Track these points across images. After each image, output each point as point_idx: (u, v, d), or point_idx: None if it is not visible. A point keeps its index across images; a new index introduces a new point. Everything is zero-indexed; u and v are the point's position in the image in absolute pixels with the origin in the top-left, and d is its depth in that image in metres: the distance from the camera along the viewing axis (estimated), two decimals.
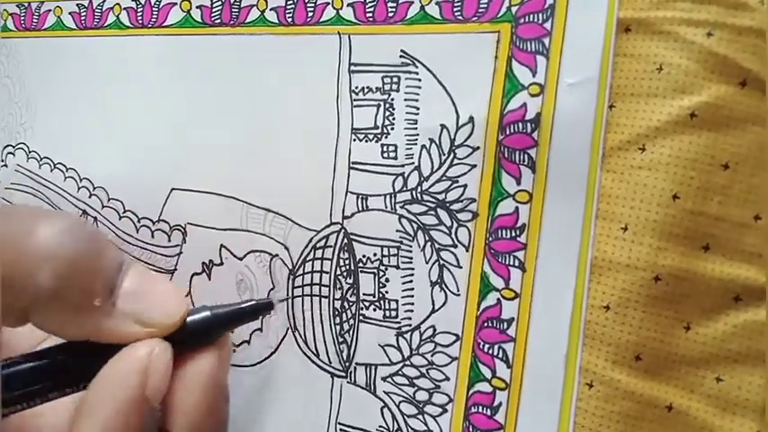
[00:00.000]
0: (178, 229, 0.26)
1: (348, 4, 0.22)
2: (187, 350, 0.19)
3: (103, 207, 0.28)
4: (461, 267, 0.21)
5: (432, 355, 0.22)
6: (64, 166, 0.29)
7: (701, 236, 0.19)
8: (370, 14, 0.22)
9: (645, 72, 0.19)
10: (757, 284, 0.19)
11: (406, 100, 0.22)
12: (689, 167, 0.19)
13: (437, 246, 0.21)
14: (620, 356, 0.19)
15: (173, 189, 0.26)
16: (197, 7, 0.25)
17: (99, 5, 0.27)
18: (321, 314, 0.23)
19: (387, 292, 0.22)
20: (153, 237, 0.27)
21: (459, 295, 0.21)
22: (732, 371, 0.18)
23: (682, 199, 0.19)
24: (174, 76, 0.26)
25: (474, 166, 0.21)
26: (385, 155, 0.22)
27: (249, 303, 0.19)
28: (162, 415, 0.18)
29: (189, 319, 0.19)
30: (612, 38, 0.19)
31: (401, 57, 0.22)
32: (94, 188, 0.28)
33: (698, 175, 0.18)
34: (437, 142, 0.21)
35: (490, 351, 0.21)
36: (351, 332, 0.23)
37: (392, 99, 0.22)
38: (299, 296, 0.24)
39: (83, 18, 0.28)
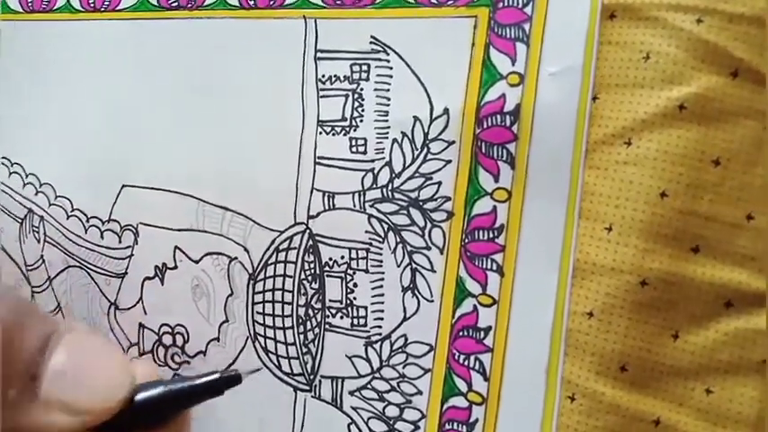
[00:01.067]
0: (129, 230, 0.25)
1: None
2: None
3: (50, 205, 0.27)
4: (435, 271, 0.20)
5: (403, 367, 0.21)
6: (8, 160, 0.27)
7: (690, 237, 0.18)
8: None
9: (631, 61, 0.18)
10: (750, 289, 0.18)
11: (376, 90, 0.21)
12: (677, 163, 0.18)
13: (409, 248, 0.21)
14: (603, 367, 0.19)
15: (124, 186, 0.25)
16: None
17: None
18: (284, 322, 0.22)
19: (355, 299, 0.21)
20: (102, 238, 0.25)
21: (432, 302, 0.20)
22: (723, 382, 0.18)
23: (670, 197, 0.18)
24: (127, 63, 0.25)
25: (449, 161, 0.20)
26: (353, 149, 0.21)
27: (212, 377, 0.17)
28: None
29: (139, 397, 0.16)
30: (597, 24, 0.19)
31: (371, 43, 0.21)
32: (41, 185, 0.27)
33: (687, 172, 0.18)
34: (409, 136, 0.21)
35: (466, 362, 0.20)
36: (316, 342, 0.22)
37: (361, 89, 0.21)
38: (260, 302, 0.23)
39: (30, 1, 0.27)
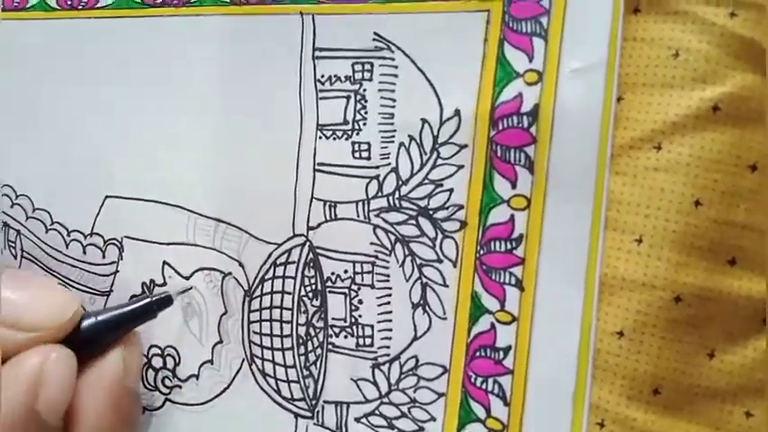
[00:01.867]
0: (114, 244, 0.24)
1: None
2: (87, 357, 0.19)
3: (27, 218, 0.26)
4: (448, 286, 0.19)
5: (414, 391, 0.20)
6: None
7: (726, 248, 0.17)
8: None
9: (658, 59, 0.18)
10: None
11: (380, 91, 0.20)
12: (712, 169, 0.17)
13: (419, 261, 0.20)
14: (635, 390, 0.18)
15: (107, 197, 0.24)
16: None
17: None
18: (282, 343, 0.21)
19: (360, 317, 0.20)
20: (85, 253, 0.25)
21: (445, 319, 0.19)
22: (764, 403, 0.17)
23: (704, 206, 0.17)
24: (109, 64, 0.24)
25: (461, 166, 0.19)
26: (356, 155, 0.20)
27: (144, 301, 0.20)
28: (65, 427, 0.18)
29: (85, 323, 0.19)
30: (620, 17, 0.18)
31: (374, 40, 0.20)
32: (17, 196, 0.26)
33: (722, 178, 0.17)
34: (417, 140, 0.20)
35: (484, 386, 0.19)
36: (318, 364, 0.21)
37: (364, 90, 0.20)
38: (257, 321, 0.22)
39: None
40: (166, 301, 0.21)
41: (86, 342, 0.19)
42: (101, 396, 0.18)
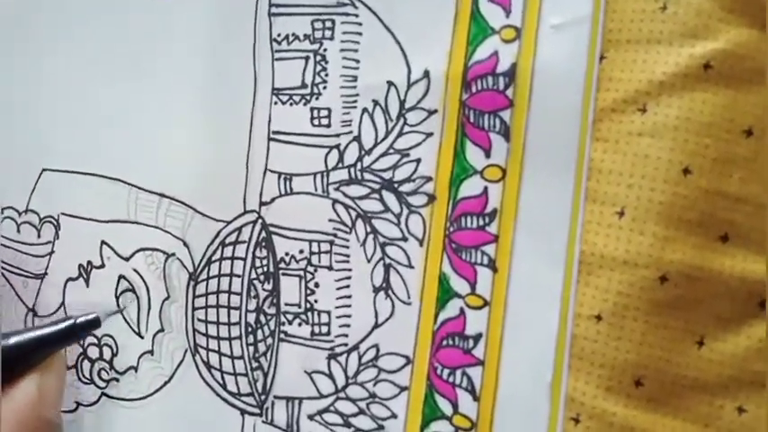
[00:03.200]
0: (50, 222, 0.23)
1: None
2: (3, 383, 0.18)
3: None
4: (413, 267, 0.19)
5: (374, 385, 0.19)
6: None
7: (718, 222, 0.16)
8: None
9: (644, 12, 0.17)
10: None
11: (342, 51, 0.19)
12: (702, 134, 0.16)
13: (382, 239, 0.19)
14: (615, 381, 0.17)
15: (44, 170, 0.23)
16: None
17: None
18: (230, 331, 0.20)
19: (316, 302, 0.20)
20: (19, 232, 0.24)
21: (410, 304, 0.19)
22: (758, 398, 0.16)
23: (694, 174, 0.16)
24: (44, 27, 0.23)
25: (430, 134, 0.18)
26: (315, 122, 0.20)
27: (68, 323, 0.19)
28: None
29: (3, 343, 0.18)
30: None
31: None
32: None
33: (714, 144, 0.16)
34: (382, 105, 0.19)
35: (451, 378, 0.18)
36: (268, 355, 0.20)
37: (324, 50, 0.19)
38: (202, 307, 0.21)
39: None
40: (93, 324, 0.20)
41: (8, 361, 0.18)
42: (14, 428, 0.17)
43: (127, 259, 0.22)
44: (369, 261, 0.19)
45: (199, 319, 0.20)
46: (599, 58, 0.17)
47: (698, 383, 0.16)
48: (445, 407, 0.18)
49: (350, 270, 0.19)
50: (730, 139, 0.16)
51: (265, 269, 0.20)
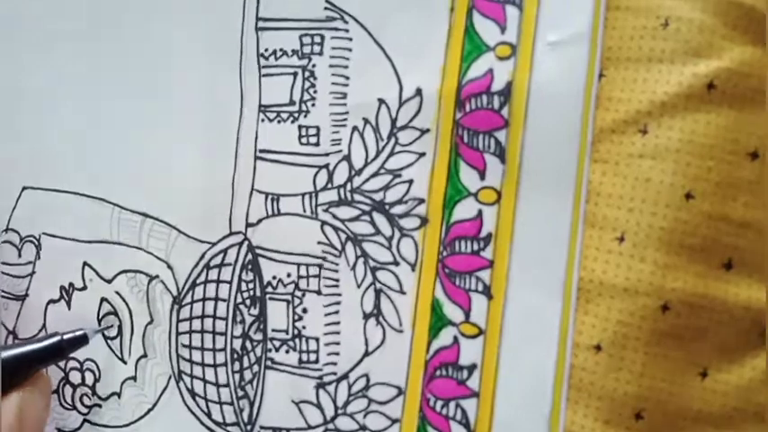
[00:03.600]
0: (31, 241, 0.23)
1: None
2: None
3: None
4: (405, 293, 0.18)
5: (364, 417, 0.18)
6: None
7: (721, 249, 0.16)
8: None
9: (645, 29, 0.16)
10: None
11: (331, 67, 0.19)
12: (706, 156, 0.16)
13: (372, 263, 0.18)
14: (614, 414, 0.16)
15: (24, 188, 0.23)
16: None
17: None
18: (215, 358, 0.20)
19: (304, 328, 0.19)
20: None
21: (401, 332, 0.18)
22: (761, 430, 0.16)
23: (697, 199, 0.16)
24: (28, 41, 0.23)
25: (422, 154, 0.18)
26: (303, 140, 0.19)
27: (54, 339, 0.19)
28: None
29: None
30: None
31: (326, 9, 0.19)
32: None
33: (717, 167, 0.16)
34: (373, 123, 0.19)
35: (444, 410, 0.17)
36: (254, 383, 0.19)
37: (313, 65, 0.19)
38: (186, 332, 0.20)
39: None
40: (80, 341, 0.19)
41: None
42: None
43: (109, 281, 0.21)
44: (359, 286, 0.18)
45: (183, 345, 0.20)
46: (598, 76, 0.16)
47: (701, 416, 0.16)
48: None
49: (339, 295, 0.19)
50: (734, 161, 0.16)
51: (252, 293, 0.19)
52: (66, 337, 0.19)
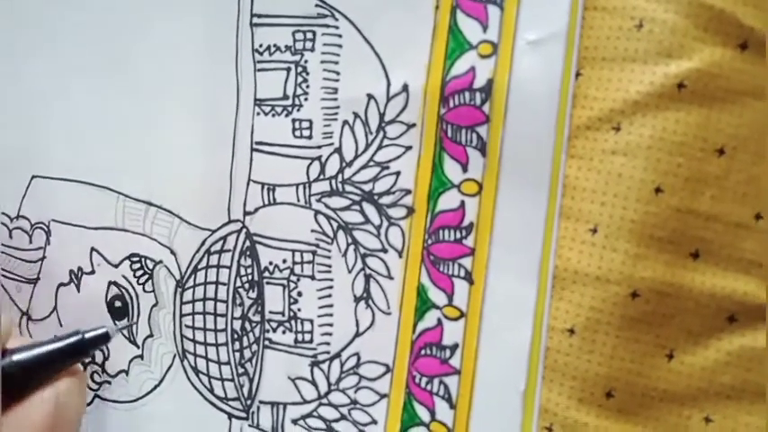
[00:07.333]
0: (41, 228, 0.23)
1: None
2: (11, 402, 0.17)
3: None
4: (393, 278, 0.18)
5: (355, 392, 0.19)
6: None
7: (689, 240, 0.16)
8: None
9: (620, 30, 0.16)
10: (756, 301, 0.16)
11: (323, 62, 0.19)
12: (675, 153, 0.16)
13: (362, 250, 0.19)
14: (587, 393, 0.17)
15: (33, 177, 0.23)
16: None
17: None
18: (216, 338, 0.20)
19: (299, 310, 0.19)
20: (11, 237, 0.24)
21: (389, 314, 0.19)
22: (725, 409, 0.16)
23: (666, 193, 0.16)
24: (31, 32, 0.23)
25: (409, 147, 0.18)
26: (297, 133, 0.19)
27: (74, 338, 0.18)
28: None
29: (8, 360, 0.18)
30: None
31: (317, 6, 0.19)
32: None
33: (686, 163, 0.16)
34: (362, 117, 0.19)
35: (429, 386, 0.18)
36: (253, 361, 0.20)
37: (305, 61, 0.19)
38: (189, 314, 0.21)
39: None
40: (102, 338, 0.19)
41: (17, 378, 0.18)
42: None
43: (116, 266, 0.22)
44: (350, 271, 0.19)
45: (186, 326, 0.21)
46: (575, 75, 0.16)
47: (667, 395, 0.16)
48: (423, 414, 0.18)
49: (331, 280, 0.19)
50: (702, 157, 0.16)
51: (250, 277, 0.20)
52: (87, 335, 0.19)
